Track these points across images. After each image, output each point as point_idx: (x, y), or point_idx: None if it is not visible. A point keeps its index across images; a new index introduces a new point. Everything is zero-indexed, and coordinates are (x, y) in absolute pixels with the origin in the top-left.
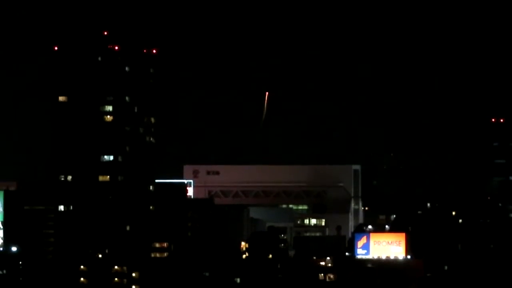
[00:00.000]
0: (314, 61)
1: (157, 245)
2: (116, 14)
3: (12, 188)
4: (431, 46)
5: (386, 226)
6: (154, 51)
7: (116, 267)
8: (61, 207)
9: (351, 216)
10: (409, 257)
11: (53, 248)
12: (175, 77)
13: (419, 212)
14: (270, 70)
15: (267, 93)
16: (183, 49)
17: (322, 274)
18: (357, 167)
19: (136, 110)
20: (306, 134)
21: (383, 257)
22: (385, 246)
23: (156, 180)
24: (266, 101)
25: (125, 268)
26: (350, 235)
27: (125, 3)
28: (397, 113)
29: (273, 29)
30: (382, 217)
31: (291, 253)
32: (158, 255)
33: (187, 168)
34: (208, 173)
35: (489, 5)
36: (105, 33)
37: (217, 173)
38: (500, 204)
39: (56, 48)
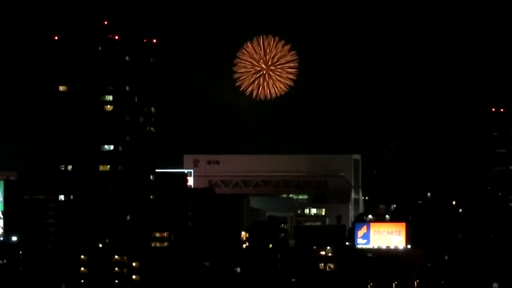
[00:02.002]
0: (315, 50)
1: (157, 234)
2: (116, 3)
3: (12, 178)
4: (432, 35)
5: (387, 216)
6: (154, 40)
7: (116, 256)
8: (62, 197)
9: (351, 206)
10: (409, 246)
11: (53, 237)
12: (175, 66)
13: (419, 201)
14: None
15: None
16: (183, 38)
17: (322, 264)
18: (357, 156)
19: (136, 100)
20: (306, 123)
21: (384, 246)
22: (386, 236)
23: (156, 170)
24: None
25: (125, 257)
26: (350, 224)
27: None
28: (397, 102)
29: (274, 18)
30: (382, 206)
31: (291, 242)
32: (158, 244)
33: (187, 158)
34: (209, 162)
35: None
36: (105, 22)
37: (217, 162)
38: (500, 194)
39: (56, 37)
